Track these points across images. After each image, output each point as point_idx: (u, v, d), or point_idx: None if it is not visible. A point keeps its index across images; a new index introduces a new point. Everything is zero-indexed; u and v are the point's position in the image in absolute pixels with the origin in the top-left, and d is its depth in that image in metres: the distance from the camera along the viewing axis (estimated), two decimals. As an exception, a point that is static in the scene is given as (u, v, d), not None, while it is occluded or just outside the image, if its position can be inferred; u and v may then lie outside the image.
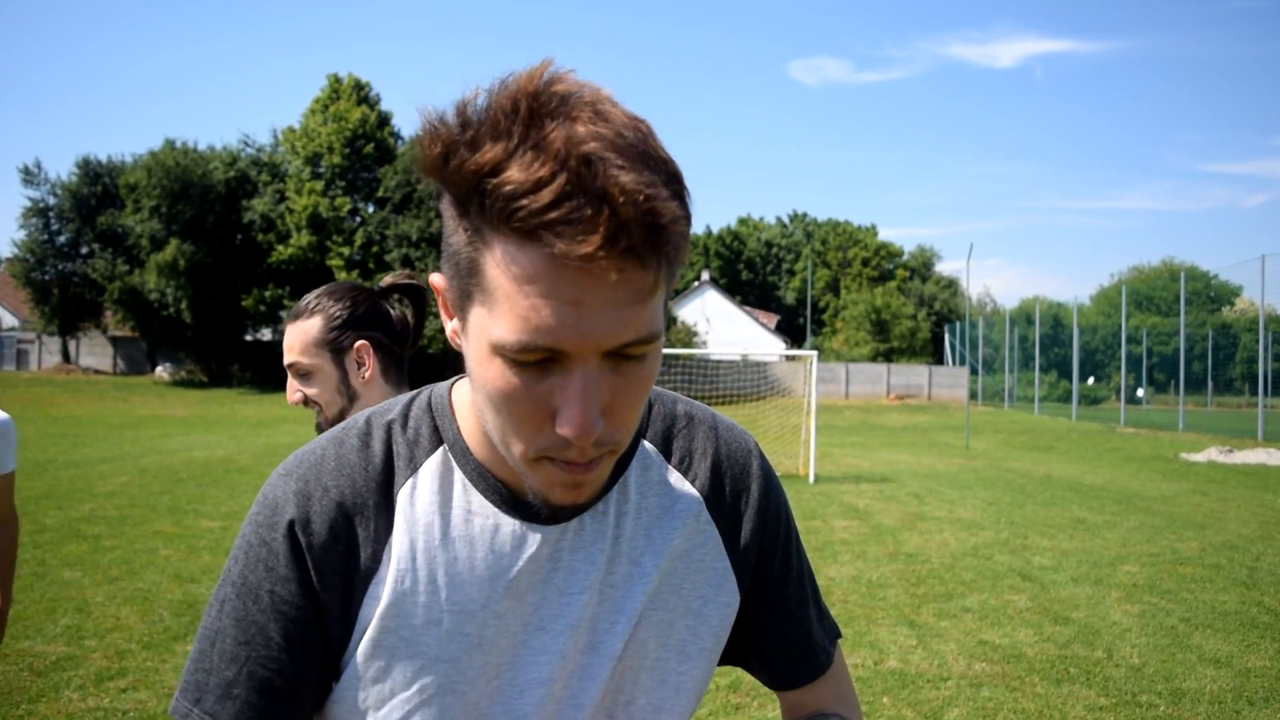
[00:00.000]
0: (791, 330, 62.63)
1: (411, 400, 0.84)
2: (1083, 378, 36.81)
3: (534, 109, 0.60)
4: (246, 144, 38.99)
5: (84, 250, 38.05)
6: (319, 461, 0.78)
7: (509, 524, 0.78)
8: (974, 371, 37.99)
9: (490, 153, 0.59)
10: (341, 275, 36.02)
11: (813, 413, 11.63)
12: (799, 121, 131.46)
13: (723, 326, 47.23)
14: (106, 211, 37.29)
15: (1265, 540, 8.00)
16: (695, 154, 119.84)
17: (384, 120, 39.28)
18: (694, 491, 0.86)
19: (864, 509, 9.43)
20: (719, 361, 33.56)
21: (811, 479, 11.72)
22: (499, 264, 0.61)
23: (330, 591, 0.75)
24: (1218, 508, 9.86)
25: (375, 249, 37.14)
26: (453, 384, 0.84)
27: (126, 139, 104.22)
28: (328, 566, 0.75)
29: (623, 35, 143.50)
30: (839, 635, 0.97)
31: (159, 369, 39.70)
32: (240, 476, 11.48)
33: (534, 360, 0.63)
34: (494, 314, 0.63)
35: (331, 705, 0.78)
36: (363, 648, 0.75)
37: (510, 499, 0.78)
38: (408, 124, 74.24)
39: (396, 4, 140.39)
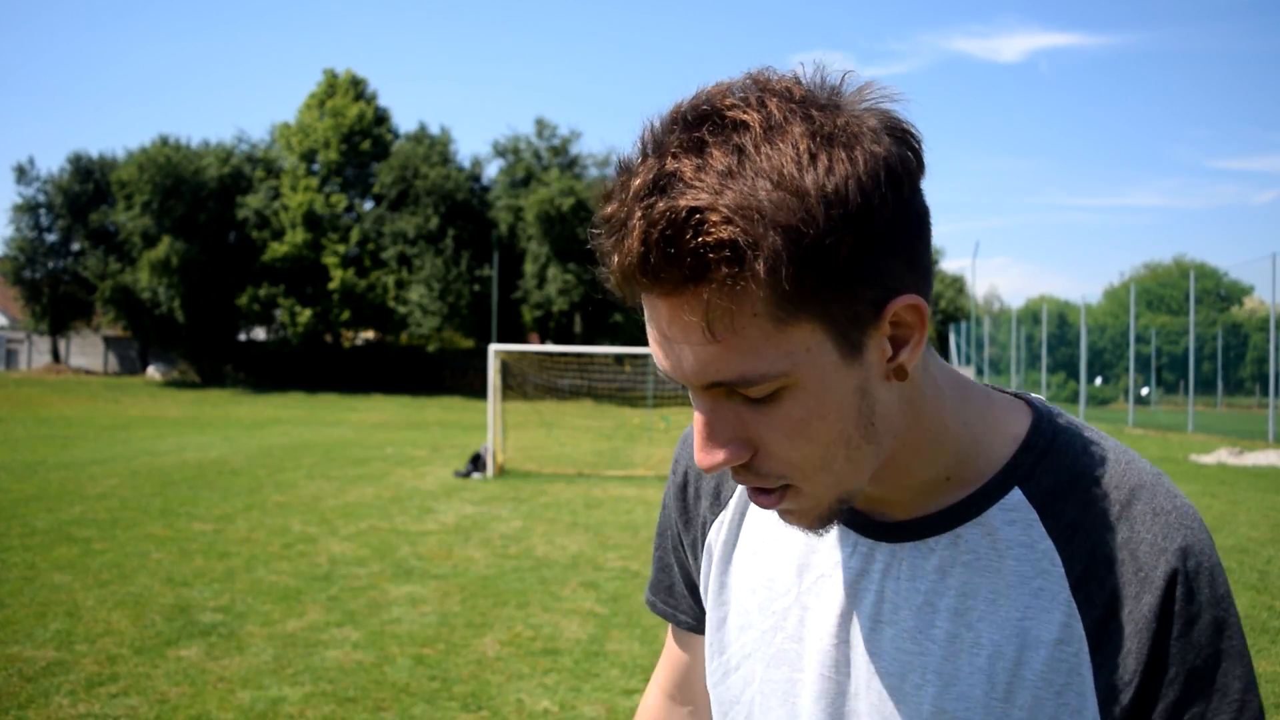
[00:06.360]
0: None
1: None
2: (1090, 378, 36.82)
3: (655, 143, 0.62)
4: (241, 140, 38.84)
5: (75, 248, 37.83)
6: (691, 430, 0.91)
7: None
8: (980, 371, 38.00)
9: (604, 208, 0.63)
10: (337, 273, 35.89)
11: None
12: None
13: (721, 326, 47.15)
14: (98, 209, 37.07)
15: (1276, 543, 7.93)
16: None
17: (381, 116, 39.14)
18: (1062, 571, 0.70)
19: (865, 510, 9.36)
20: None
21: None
22: None
23: (688, 531, 0.91)
24: (1227, 510, 9.79)
25: (371, 246, 36.99)
26: None
27: (119, 135, 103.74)
28: (684, 514, 0.92)
29: (621, 30, 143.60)
30: None
31: (150, 369, 39.52)
32: (234, 478, 11.37)
33: (683, 388, 0.67)
34: None
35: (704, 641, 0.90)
36: (709, 594, 0.87)
37: None
38: (405, 120, 74.51)
39: None
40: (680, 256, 0.58)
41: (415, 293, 35.53)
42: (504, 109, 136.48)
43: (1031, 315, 39.96)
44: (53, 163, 70.17)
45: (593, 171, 39.11)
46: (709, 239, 0.57)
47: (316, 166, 37.81)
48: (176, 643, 4.77)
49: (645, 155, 0.62)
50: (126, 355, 41.63)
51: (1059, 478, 0.72)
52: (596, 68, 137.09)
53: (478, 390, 32.23)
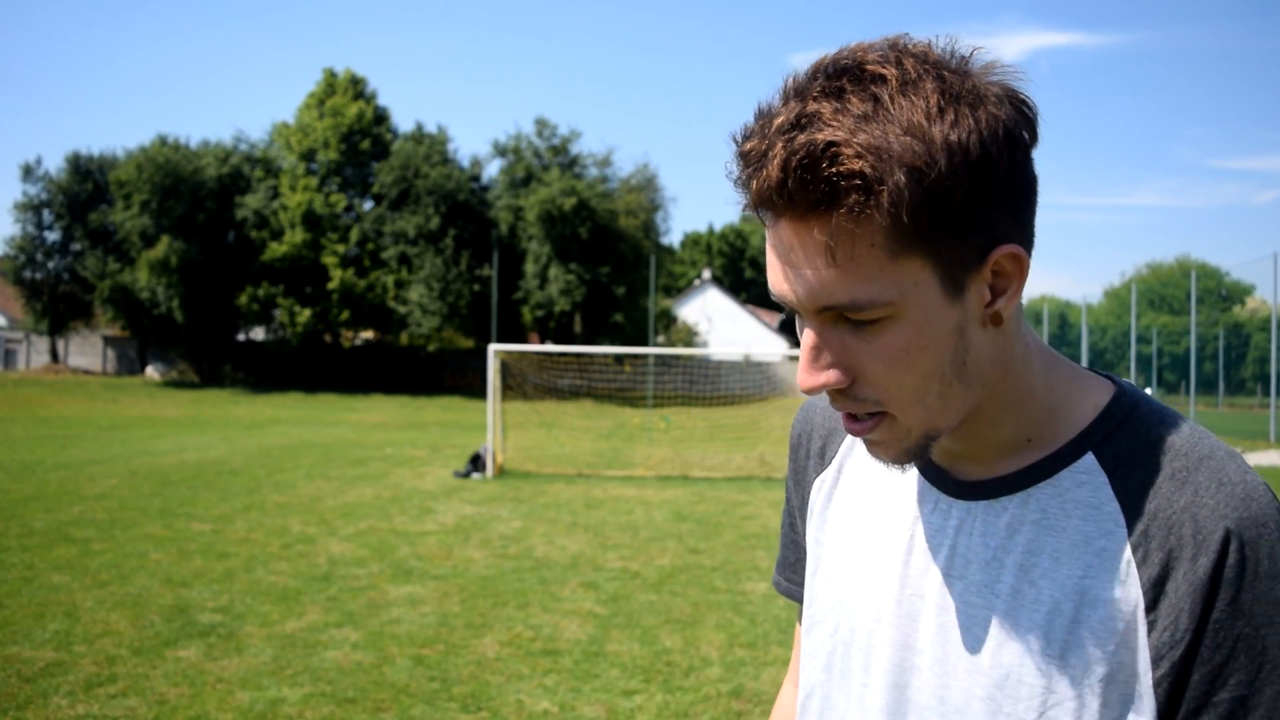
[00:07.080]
0: (795, 329, 62.59)
1: None
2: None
3: (797, 90, 0.68)
4: (240, 140, 38.79)
5: (75, 248, 37.79)
6: (808, 400, 0.98)
7: (914, 476, 0.84)
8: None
9: (744, 144, 0.69)
10: (336, 273, 35.86)
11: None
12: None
13: (725, 326, 47.16)
14: (97, 208, 37.01)
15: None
16: (692, 149, 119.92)
17: (380, 116, 39.09)
18: (1125, 532, 0.71)
19: (865, 510, 9.35)
20: (720, 361, 33.54)
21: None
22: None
23: (798, 491, 0.97)
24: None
25: (371, 246, 36.96)
26: None
27: (118, 134, 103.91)
28: (796, 474, 0.98)
29: (620, 27, 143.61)
30: None
31: (149, 369, 39.48)
32: (233, 479, 11.36)
33: (792, 314, 0.73)
34: None
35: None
36: (809, 546, 0.93)
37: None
38: (404, 119, 74.54)
39: None
40: (815, 182, 0.64)
41: (415, 293, 35.50)
42: (504, 109, 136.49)
43: (1033, 315, 40.02)
44: (51, 162, 70.23)
45: (593, 171, 39.09)
46: (841, 169, 0.64)
47: (316, 166, 37.75)
48: (175, 643, 4.77)
49: (787, 99, 0.68)
50: (125, 355, 41.60)
51: (1132, 444, 0.74)
52: (596, 68, 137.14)
53: (477, 390, 32.21)
